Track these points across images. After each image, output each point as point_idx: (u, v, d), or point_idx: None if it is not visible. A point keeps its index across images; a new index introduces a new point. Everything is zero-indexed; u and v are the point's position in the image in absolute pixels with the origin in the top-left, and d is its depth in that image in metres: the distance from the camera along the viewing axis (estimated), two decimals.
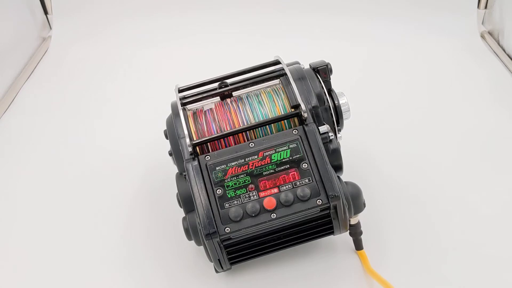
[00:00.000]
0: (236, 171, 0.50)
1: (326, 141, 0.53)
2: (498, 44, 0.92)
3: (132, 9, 1.06)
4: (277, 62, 0.59)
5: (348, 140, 0.62)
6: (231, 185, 0.49)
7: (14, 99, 0.90)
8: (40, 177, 0.74)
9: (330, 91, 0.58)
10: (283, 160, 0.50)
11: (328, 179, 0.49)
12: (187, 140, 0.51)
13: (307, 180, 0.49)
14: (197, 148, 0.52)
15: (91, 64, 0.97)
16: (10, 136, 0.82)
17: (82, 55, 1.00)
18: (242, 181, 0.49)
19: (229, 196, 0.49)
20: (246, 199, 0.49)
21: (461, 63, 0.88)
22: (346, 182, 0.53)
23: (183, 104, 0.56)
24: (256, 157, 0.51)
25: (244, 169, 0.50)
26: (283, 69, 0.57)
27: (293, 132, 0.52)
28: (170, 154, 0.57)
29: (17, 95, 0.91)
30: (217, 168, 0.50)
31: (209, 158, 0.51)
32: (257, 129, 0.53)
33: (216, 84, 0.58)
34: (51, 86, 0.93)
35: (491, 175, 0.67)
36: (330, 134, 0.53)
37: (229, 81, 0.58)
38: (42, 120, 0.85)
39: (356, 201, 0.52)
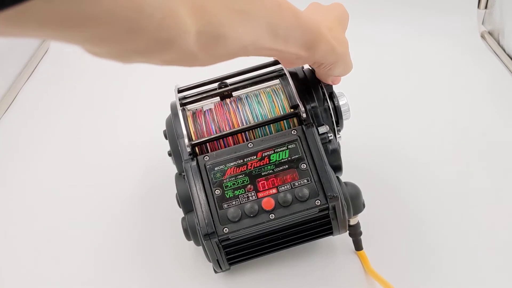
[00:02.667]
0: (234, 172, 0.50)
1: (325, 142, 0.53)
2: (498, 44, 0.92)
3: None
4: (276, 62, 0.59)
5: (348, 140, 0.62)
6: (229, 185, 0.49)
7: (15, 99, 0.90)
8: (39, 176, 0.74)
9: (329, 91, 0.58)
10: (282, 160, 0.50)
11: (327, 180, 0.49)
12: (186, 140, 0.51)
13: (305, 181, 0.49)
14: (196, 149, 0.52)
15: (91, 64, 0.97)
16: (11, 136, 0.82)
17: (82, 54, 0.99)
18: (240, 181, 0.49)
19: (228, 197, 0.49)
20: (244, 200, 0.49)
21: (461, 63, 0.88)
22: (345, 183, 0.53)
23: (182, 105, 0.56)
24: (254, 157, 0.51)
25: (242, 170, 0.50)
26: (283, 69, 0.57)
27: (292, 132, 0.52)
28: (170, 155, 0.57)
29: (18, 95, 0.91)
30: (215, 169, 0.50)
31: (208, 158, 0.51)
32: (256, 129, 0.53)
33: (215, 84, 0.58)
34: (51, 86, 0.93)
35: (491, 175, 0.67)
36: (330, 134, 0.53)
37: (228, 81, 0.58)
38: (42, 120, 0.85)
39: (355, 202, 0.52)
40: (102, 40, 0.27)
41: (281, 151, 0.51)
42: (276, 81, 0.58)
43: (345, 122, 0.59)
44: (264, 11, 0.37)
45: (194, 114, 0.56)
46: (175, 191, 0.53)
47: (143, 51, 0.30)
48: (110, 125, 0.82)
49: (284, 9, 0.40)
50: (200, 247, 0.54)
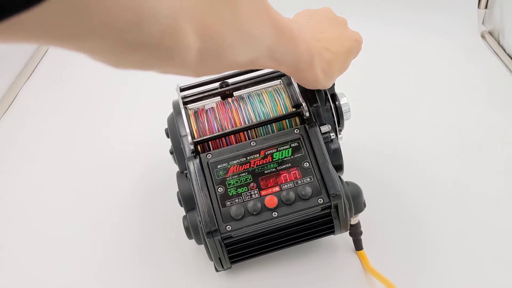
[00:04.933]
0: (237, 170, 0.50)
1: (328, 141, 0.53)
2: (499, 44, 0.92)
3: None
4: None
5: (348, 140, 0.62)
6: (232, 183, 0.49)
7: (14, 99, 0.90)
8: (39, 176, 0.73)
9: (332, 92, 0.58)
10: (285, 158, 0.50)
11: (330, 178, 0.49)
12: (189, 138, 0.51)
13: (308, 179, 0.49)
14: (199, 147, 0.52)
15: (91, 64, 0.97)
16: (10, 137, 0.82)
17: (83, 54, 0.99)
18: (243, 179, 0.49)
19: (231, 195, 0.49)
20: (247, 198, 0.49)
21: (462, 63, 0.88)
22: (346, 182, 0.53)
23: (184, 103, 0.56)
24: (257, 155, 0.51)
25: (245, 168, 0.50)
26: None
27: (295, 131, 0.52)
28: (171, 153, 0.57)
29: (17, 96, 0.90)
30: (218, 166, 0.50)
31: (210, 156, 0.51)
32: (258, 128, 0.53)
33: (217, 84, 0.58)
34: (51, 86, 0.93)
35: (491, 175, 0.67)
36: (331, 134, 0.53)
37: (230, 81, 0.58)
38: (42, 120, 0.85)
39: (356, 201, 0.52)
40: (98, 53, 0.27)
41: (284, 149, 0.51)
42: (277, 82, 0.58)
43: (346, 123, 0.59)
44: (266, 35, 0.38)
45: (196, 112, 0.56)
46: (176, 190, 0.53)
47: (139, 63, 0.29)
48: (110, 125, 0.82)
49: (285, 34, 0.41)
50: (201, 246, 0.54)
